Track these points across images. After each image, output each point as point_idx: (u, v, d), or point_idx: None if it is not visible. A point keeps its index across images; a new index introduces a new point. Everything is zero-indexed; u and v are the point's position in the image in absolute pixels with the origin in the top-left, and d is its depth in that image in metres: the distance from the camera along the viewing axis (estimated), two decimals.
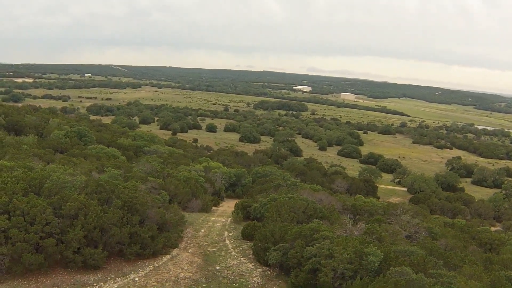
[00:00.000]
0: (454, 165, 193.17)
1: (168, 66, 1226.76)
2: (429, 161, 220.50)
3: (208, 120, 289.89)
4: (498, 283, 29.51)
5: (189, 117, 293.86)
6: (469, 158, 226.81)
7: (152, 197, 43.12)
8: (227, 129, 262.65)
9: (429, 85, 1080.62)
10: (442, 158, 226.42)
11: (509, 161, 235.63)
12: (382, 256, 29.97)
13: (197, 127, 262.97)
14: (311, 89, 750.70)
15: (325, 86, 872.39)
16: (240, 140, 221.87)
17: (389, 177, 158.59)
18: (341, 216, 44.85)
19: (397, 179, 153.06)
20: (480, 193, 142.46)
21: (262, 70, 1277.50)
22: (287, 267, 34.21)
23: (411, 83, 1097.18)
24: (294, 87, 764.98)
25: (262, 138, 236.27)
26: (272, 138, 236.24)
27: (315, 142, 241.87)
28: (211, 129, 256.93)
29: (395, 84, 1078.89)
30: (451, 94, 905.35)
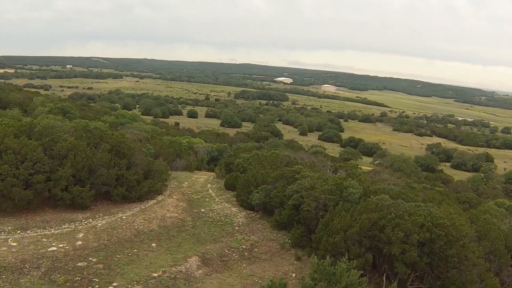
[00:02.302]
0: (434, 149, 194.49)
1: (149, 58, 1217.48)
2: (409, 146, 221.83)
3: (190, 108, 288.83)
4: (476, 219, 30.52)
5: (170, 104, 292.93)
6: (449, 145, 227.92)
7: (139, 145, 44.03)
8: (208, 115, 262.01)
9: (411, 79, 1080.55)
10: (422, 144, 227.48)
11: (489, 149, 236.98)
12: (362, 190, 31.04)
13: (178, 113, 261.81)
14: (292, 81, 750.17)
15: (306, 78, 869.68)
16: (221, 125, 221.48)
17: (369, 160, 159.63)
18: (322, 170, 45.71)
19: (377, 161, 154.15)
20: (459, 176, 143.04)
21: (244, 62, 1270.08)
22: (270, 209, 35.21)
23: (392, 77, 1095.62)
24: (275, 79, 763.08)
25: (243, 124, 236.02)
26: (253, 124, 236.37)
27: (296, 127, 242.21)
28: (192, 115, 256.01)
29: (376, 77, 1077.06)
30: (432, 87, 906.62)
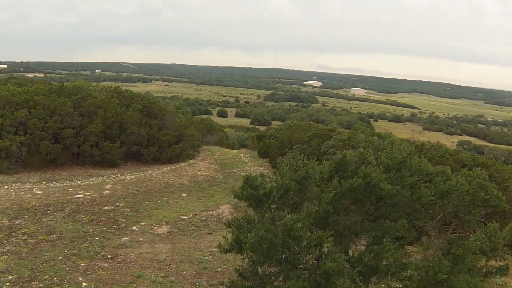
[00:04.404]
0: (465, 146, 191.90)
1: (178, 63, 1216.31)
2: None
3: (219, 108, 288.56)
4: None
5: (200, 106, 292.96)
6: (479, 144, 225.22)
7: (171, 109, 43.36)
8: (238, 115, 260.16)
9: (440, 81, 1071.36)
10: (452, 142, 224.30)
11: None
12: (400, 140, 30.10)
13: (208, 112, 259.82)
14: (321, 85, 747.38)
15: (335, 82, 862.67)
16: (251, 123, 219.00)
17: None
18: None
19: None
20: None
21: (272, 67, 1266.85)
22: None
23: (421, 80, 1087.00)
24: (304, 82, 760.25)
25: (273, 122, 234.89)
26: (283, 122, 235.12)
27: (326, 125, 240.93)
28: (222, 114, 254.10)
29: (405, 80, 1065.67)
30: (461, 90, 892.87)
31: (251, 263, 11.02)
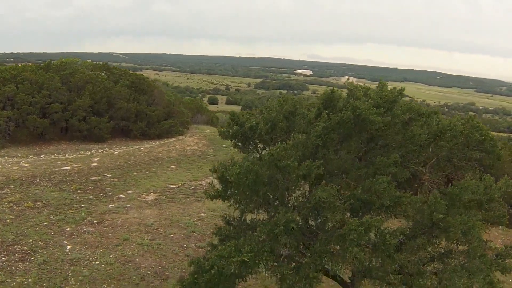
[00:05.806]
0: None
1: (168, 53, 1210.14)
2: None
3: (210, 96, 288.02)
4: (508, 147, 29.53)
5: (191, 94, 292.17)
6: None
7: (160, 88, 43.04)
8: (228, 102, 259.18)
9: (430, 70, 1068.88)
10: None
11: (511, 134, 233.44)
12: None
13: None
14: (311, 73, 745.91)
15: (326, 71, 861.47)
16: (242, 110, 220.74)
17: None
18: None
19: None
20: None
21: (263, 56, 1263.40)
22: None
23: (412, 69, 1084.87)
24: (295, 71, 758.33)
25: None
26: None
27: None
28: (213, 101, 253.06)
29: (396, 69, 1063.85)
30: (452, 78, 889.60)
31: (237, 205, 10.62)
